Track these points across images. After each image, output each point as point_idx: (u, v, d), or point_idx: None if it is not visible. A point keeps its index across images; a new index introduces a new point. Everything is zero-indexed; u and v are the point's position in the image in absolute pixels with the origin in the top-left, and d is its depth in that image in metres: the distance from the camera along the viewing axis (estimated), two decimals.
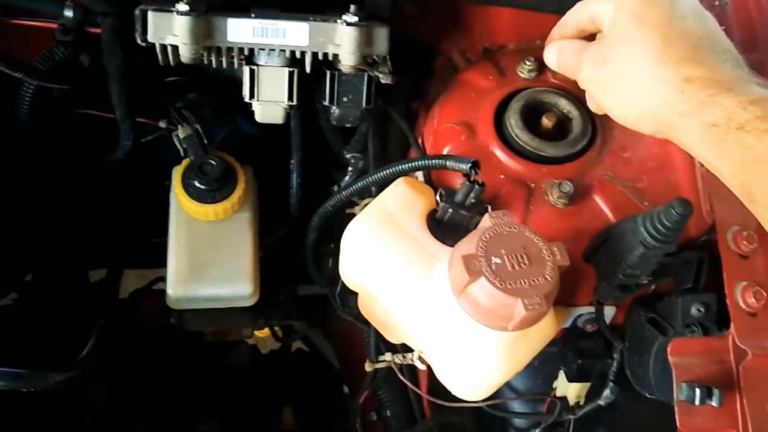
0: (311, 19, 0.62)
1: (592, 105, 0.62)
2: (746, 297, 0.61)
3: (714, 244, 0.64)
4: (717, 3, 0.74)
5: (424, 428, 0.80)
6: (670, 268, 0.64)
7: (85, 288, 0.88)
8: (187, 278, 0.73)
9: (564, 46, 0.61)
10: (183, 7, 0.59)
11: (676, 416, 0.59)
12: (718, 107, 0.48)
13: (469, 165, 0.59)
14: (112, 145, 0.79)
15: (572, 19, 0.62)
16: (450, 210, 0.62)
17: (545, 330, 0.61)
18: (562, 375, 0.77)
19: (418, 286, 0.59)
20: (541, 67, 0.74)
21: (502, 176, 0.66)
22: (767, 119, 0.46)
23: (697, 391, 0.57)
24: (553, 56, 0.62)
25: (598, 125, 0.70)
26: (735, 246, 0.63)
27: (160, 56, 0.63)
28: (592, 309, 0.69)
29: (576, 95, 0.71)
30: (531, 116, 0.69)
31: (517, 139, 0.67)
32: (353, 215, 0.67)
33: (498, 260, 0.52)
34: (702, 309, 0.64)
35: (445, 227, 0.63)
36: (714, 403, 0.57)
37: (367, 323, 0.74)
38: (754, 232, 0.63)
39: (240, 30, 0.61)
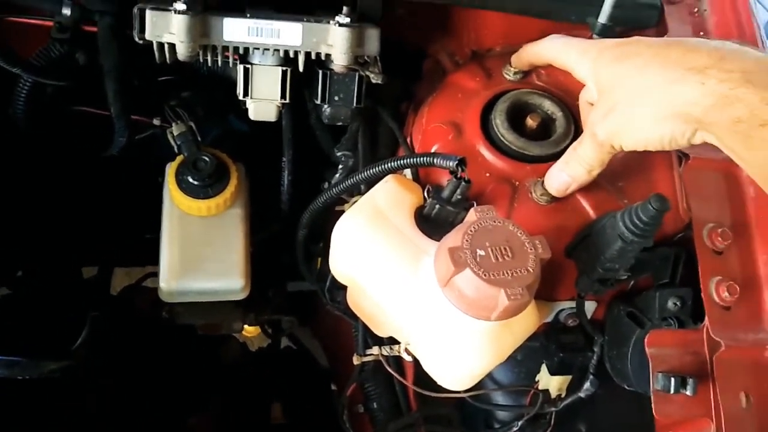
0: (305, 19, 0.64)
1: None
2: (720, 291, 0.63)
3: (690, 241, 0.66)
4: (696, 11, 0.77)
5: (409, 420, 0.82)
6: (648, 263, 0.66)
7: (78, 282, 0.89)
8: (180, 272, 0.74)
9: (564, 158, 0.64)
10: (180, 6, 0.60)
11: (652, 405, 0.61)
12: (741, 102, 0.49)
13: (456, 162, 0.61)
14: (106, 142, 0.80)
15: (546, 57, 0.67)
16: (437, 206, 0.64)
17: (527, 322, 0.63)
18: (544, 368, 0.78)
19: (405, 279, 0.61)
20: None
21: (487, 174, 0.68)
22: None
23: (672, 380, 0.59)
24: (562, 175, 0.64)
25: (581, 126, 0.72)
26: (710, 242, 0.65)
27: (156, 54, 0.64)
28: (573, 304, 0.71)
29: (560, 97, 0.73)
30: (516, 117, 0.71)
31: (502, 139, 0.69)
32: (343, 213, 0.69)
33: (482, 252, 0.53)
34: (678, 303, 0.66)
35: (432, 223, 0.65)
36: (688, 392, 0.59)
37: (355, 317, 0.76)
38: (728, 229, 0.65)
39: (235, 29, 0.63)
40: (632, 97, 0.56)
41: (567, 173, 0.64)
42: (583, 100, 0.67)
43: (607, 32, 0.72)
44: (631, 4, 0.74)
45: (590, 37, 0.75)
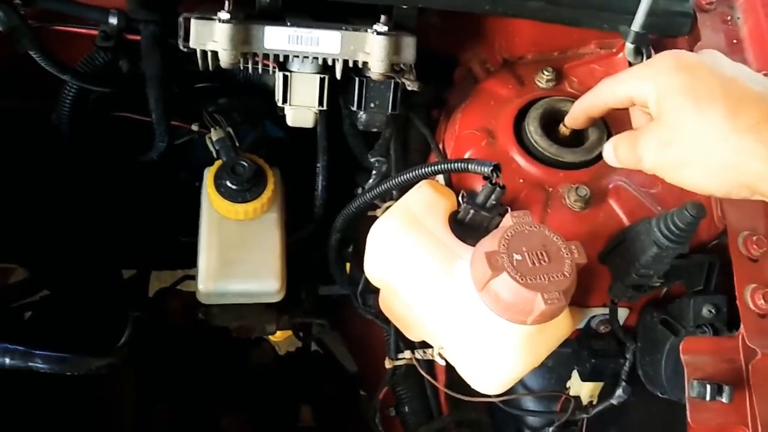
0: (343, 28, 0.66)
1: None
2: (756, 299, 0.63)
3: (725, 248, 0.66)
4: (729, 18, 0.77)
5: (441, 424, 0.83)
6: (682, 270, 0.67)
7: (119, 284, 0.91)
8: (218, 274, 0.76)
9: (616, 142, 0.61)
10: (224, 15, 0.62)
11: (687, 412, 0.61)
12: None
13: (491, 168, 0.62)
14: (145, 147, 0.82)
15: (602, 99, 0.62)
16: (471, 211, 0.65)
17: (562, 327, 0.63)
18: (575, 375, 0.79)
19: (440, 283, 0.62)
20: (558, 76, 0.77)
21: (521, 180, 0.69)
22: None
23: (708, 387, 0.59)
24: (611, 154, 0.62)
25: (613, 133, 0.73)
26: (745, 250, 0.65)
27: (200, 61, 0.66)
28: (605, 310, 0.71)
29: None
30: (549, 123, 0.71)
31: (536, 145, 0.70)
32: (375, 218, 0.70)
33: (519, 257, 0.54)
34: (713, 310, 0.66)
35: (466, 227, 0.66)
36: (724, 400, 0.59)
37: (387, 321, 0.77)
38: (764, 236, 0.65)
39: (276, 38, 0.65)
40: (692, 146, 0.54)
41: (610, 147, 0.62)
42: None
43: (640, 40, 0.73)
44: (664, 12, 0.74)
45: (623, 45, 0.75)
